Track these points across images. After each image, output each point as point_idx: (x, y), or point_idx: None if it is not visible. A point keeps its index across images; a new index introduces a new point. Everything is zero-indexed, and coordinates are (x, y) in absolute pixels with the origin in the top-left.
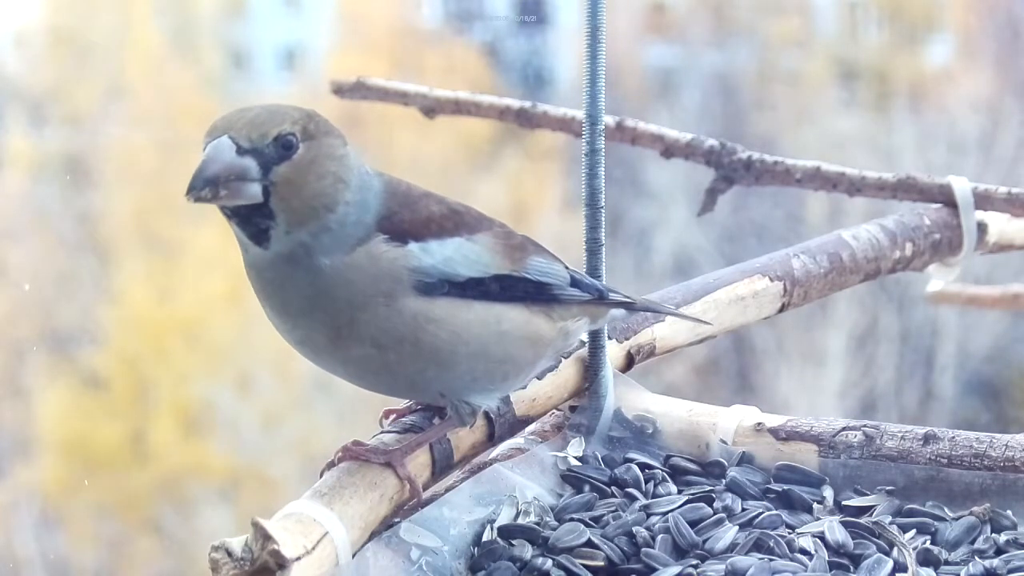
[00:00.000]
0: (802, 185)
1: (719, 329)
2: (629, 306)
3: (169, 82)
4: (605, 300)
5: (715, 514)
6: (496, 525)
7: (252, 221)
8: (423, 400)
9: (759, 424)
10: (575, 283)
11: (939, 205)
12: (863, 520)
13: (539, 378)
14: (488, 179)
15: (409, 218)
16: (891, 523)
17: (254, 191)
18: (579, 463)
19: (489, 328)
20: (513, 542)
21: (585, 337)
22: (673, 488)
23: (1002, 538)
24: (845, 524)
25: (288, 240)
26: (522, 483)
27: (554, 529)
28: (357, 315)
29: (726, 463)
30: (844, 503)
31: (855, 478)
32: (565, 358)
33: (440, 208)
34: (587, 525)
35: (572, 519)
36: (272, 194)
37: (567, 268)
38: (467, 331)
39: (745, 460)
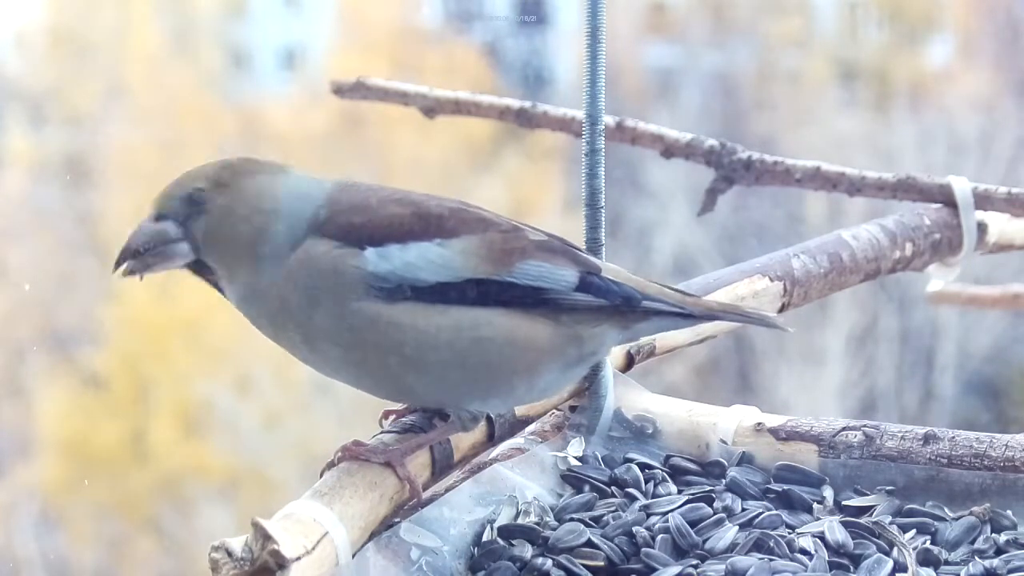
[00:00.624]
0: (802, 185)
1: (719, 329)
2: (676, 315)
3: (169, 82)
4: (637, 307)
5: (715, 514)
6: (496, 525)
7: (203, 275)
8: (426, 407)
9: (759, 424)
10: (585, 287)
11: (939, 205)
12: (863, 520)
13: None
14: (488, 179)
15: (361, 222)
16: (891, 523)
17: (181, 250)
18: (579, 463)
19: (463, 333)
20: (513, 542)
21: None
22: (673, 488)
23: (1002, 538)
24: (845, 524)
25: (236, 287)
26: (522, 483)
27: (554, 529)
28: (314, 316)
29: (726, 463)
30: (844, 503)
31: (855, 478)
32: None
33: (405, 210)
34: (587, 525)
35: (572, 519)
36: (200, 249)
37: (589, 273)
38: (437, 336)
39: (745, 460)
